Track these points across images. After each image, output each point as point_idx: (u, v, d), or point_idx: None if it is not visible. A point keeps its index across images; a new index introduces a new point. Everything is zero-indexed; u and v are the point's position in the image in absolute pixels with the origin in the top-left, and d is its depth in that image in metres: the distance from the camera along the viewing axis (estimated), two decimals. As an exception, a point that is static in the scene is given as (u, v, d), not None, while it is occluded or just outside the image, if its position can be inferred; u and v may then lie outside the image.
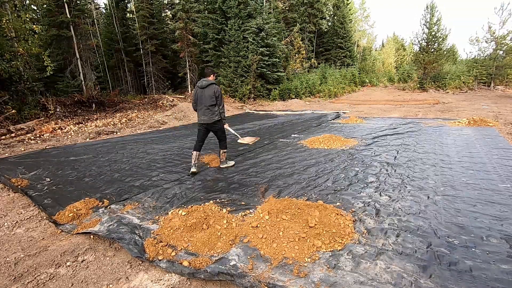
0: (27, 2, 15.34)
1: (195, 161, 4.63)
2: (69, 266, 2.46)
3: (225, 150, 4.91)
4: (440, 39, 20.80)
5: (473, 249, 2.37)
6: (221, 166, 4.96)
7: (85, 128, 9.89)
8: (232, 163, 5.10)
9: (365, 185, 3.85)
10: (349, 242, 2.52)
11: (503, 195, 3.37)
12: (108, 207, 3.50)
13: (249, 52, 16.50)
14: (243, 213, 3.14)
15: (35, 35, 13.90)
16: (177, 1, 22.62)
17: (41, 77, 13.57)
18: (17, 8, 12.90)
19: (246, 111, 14.52)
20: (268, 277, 2.14)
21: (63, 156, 6.19)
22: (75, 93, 13.88)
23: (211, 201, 3.48)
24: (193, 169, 4.59)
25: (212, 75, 4.65)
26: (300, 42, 24.28)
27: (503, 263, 2.18)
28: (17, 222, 3.30)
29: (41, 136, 8.66)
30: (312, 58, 26.84)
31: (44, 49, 13.52)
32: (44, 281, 2.28)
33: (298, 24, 24.43)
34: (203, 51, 19.92)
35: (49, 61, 12.02)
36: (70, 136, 8.77)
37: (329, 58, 27.39)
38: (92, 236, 2.89)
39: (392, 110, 12.24)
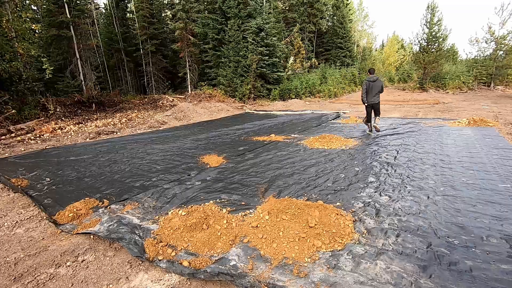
0: (27, 2, 15.33)
1: (370, 128, 7.54)
2: (69, 266, 2.46)
3: (379, 117, 7.45)
4: (441, 39, 20.80)
5: (473, 249, 2.37)
6: (374, 124, 7.33)
7: (85, 128, 9.89)
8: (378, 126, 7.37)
9: (365, 185, 3.85)
10: (349, 242, 2.52)
11: (503, 195, 3.37)
12: (108, 207, 3.50)
13: (248, 52, 16.50)
14: (243, 213, 3.14)
15: (35, 35, 13.91)
16: (177, 1, 22.61)
17: (41, 77, 13.56)
18: (18, 8, 12.90)
19: (246, 111, 14.52)
20: (268, 277, 2.14)
21: (63, 156, 6.19)
22: (75, 93, 13.87)
23: (211, 201, 3.48)
24: (372, 133, 7.38)
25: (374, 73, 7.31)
26: (300, 42, 24.28)
27: (503, 263, 2.18)
28: (17, 222, 3.30)
29: (41, 136, 8.66)
30: (312, 58, 26.83)
31: (43, 50, 13.50)
32: (44, 281, 2.28)
33: (298, 24, 24.43)
34: (203, 51, 19.93)
35: (48, 65, 12.02)
36: (70, 136, 8.77)
37: (329, 58, 27.38)
38: (92, 236, 2.89)
39: (392, 110, 12.24)
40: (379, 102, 7.22)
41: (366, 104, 7.27)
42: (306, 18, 26.02)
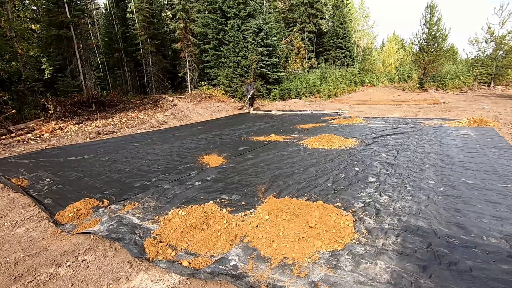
0: (27, 1, 15.33)
1: (246, 107, 14.29)
2: (69, 266, 2.46)
3: (253, 106, 14.12)
4: (440, 39, 20.80)
5: (473, 249, 2.37)
6: (250, 111, 13.72)
7: (85, 128, 9.89)
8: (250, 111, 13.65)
9: (365, 185, 3.85)
10: (349, 242, 2.53)
11: (503, 195, 3.37)
12: (108, 207, 3.50)
13: (248, 52, 16.49)
14: (243, 213, 3.14)
15: (35, 35, 13.91)
16: (177, 1, 22.60)
17: (40, 77, 13.56)
18: (17, 8, 12.90)
19: (246, 111, 14.52)
20: (268, 277, 2.14)
21: (63, 156, 6.19)
22: (75, 93, 13.86)
23: (211, 201, 3.48)
24: (248, 110, 13.94)
25: (250, 80, 15.68)
26: (300, 42, 24.28)
27: (503, 263, 2.18)
28: (17, 222, 3.30)
29: (41, 136, 8.66)
30: (312, 58, 26.81)
31: (43, 50, 13.49)
32: (44, 281, 2.28)
33: (298, 24, 24.42)
34: (203, 51, 19.92)
35: (47, 65, 12.04)
36: (70, 136, 8.77)
37: (329, 58, 27.36)
38: (92, 236, 2.89)
39: (392, 110, 12.24)
40: (253, 96, 13.97)
41: (248, 96, 13.79)
42: (306, 18, 26.02)
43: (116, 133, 9.22)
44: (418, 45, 21.82)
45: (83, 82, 15.52)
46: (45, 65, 12.11)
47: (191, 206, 3.32)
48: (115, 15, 21.70)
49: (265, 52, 16.66)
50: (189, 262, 2.35)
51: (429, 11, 20.75)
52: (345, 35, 27.11)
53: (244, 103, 14.09)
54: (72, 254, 2.63)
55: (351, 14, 31.78)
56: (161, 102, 16.63)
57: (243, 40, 16.85)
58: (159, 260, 2.42)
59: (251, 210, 3.20)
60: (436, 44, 20.91)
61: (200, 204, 3.41)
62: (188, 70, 20.02)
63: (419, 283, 2.01)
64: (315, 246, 2.44)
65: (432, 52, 20.67)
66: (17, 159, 6.09)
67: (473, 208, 3.08)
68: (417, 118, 9.55)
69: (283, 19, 24.06)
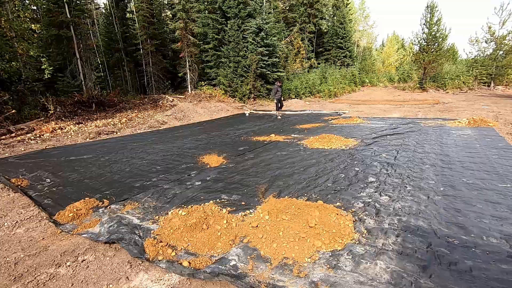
0: (27, 1, 15.34)
1: (277, 114, 11.70)
2: (69, 266, 2.46)
3: (281, 110, 11.98)
4: (440, 39, 20.79)
5: (473, 249, 2.37)
6: (278, 113, 11.70)
7: (85, 128, 9.89)
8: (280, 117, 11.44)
9: (365, 185, 3.85)
10: (349, 242, 2.52)
11: (503, 195, 3.37)
12: (108, 207, 3.50)
13: (248, 52, 16.49)
14: (243, 213, 3.14)
15: (35, 35, 13.91)
16: (177, 1, 22.59)
17: (40, 77, 13.56)
18: (17, 8, 12.90)
19: (245, 110, 14.51)
20: (268, 277, 2.14)
21: (63, 156, 6.19)
22: (75, 93, 13.85)
23: (211, 201, 3.48)
24: (278, 115, 11.61)
25: (279, 82, 12.36)
26: (300, 42, 24.28)
27: (503, 263, 2.18)
28: (17, 222, 3.30)
29: (41, 136, 8.66)
30: (312, 58, 26.80)
31: (43, 50, 13.50)
32: (44, 281, 2.28)
33: (298, 24, 24.41)
34: (203, 51, 19.91)
35: (47, 65, 12.03)
36: (70, 136, 8.76)
37: (329, 58, 27.33)
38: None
39: (392, 110, 12.24)
40: (281, 98, 11.88)
41: (275, 100, 11.78)
42: (306, 18, 25.99)
43: (116, 133, 9.22)
44: (418, 45, 21.82)
45: (83, 82, 15.51)
46: (45, 65, 12.11)
47: (191, 206, 3.32)
48: (115, 15, 21.70)
49: (265, 52, 16.66)
50: (189, 262, 2.35)
51: (429, 11, 20.75)
52: (345, 35, 27.08)
53: (275, 109, 11.93)
54: (72, 254, 2.63)
55: (351, 14, 31.75)
56: (161, 102, 16.64)
57: (243, 40, 16.85)
58: (159, 260, 2.42)
59: (251, 210, 3.20)
60: (436, 44, 20.90)
61: (200, 204, 3.40)
62: (188, 70, 20.01)
63: (419, 283, 2.01)
64: (315, 246, 2.44)
65: (432, 52, 20.66)
66: (17, 159, 6.09)
67: (473, 208, 3.08)
68: (417, 118, 9.55)
69: (283, 19, 24.05)
